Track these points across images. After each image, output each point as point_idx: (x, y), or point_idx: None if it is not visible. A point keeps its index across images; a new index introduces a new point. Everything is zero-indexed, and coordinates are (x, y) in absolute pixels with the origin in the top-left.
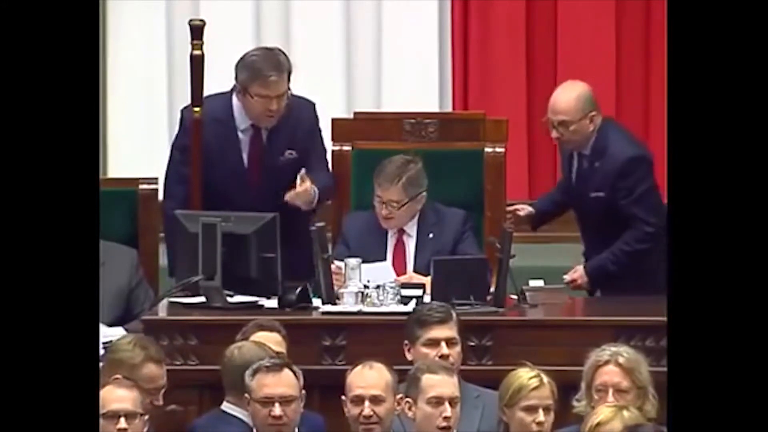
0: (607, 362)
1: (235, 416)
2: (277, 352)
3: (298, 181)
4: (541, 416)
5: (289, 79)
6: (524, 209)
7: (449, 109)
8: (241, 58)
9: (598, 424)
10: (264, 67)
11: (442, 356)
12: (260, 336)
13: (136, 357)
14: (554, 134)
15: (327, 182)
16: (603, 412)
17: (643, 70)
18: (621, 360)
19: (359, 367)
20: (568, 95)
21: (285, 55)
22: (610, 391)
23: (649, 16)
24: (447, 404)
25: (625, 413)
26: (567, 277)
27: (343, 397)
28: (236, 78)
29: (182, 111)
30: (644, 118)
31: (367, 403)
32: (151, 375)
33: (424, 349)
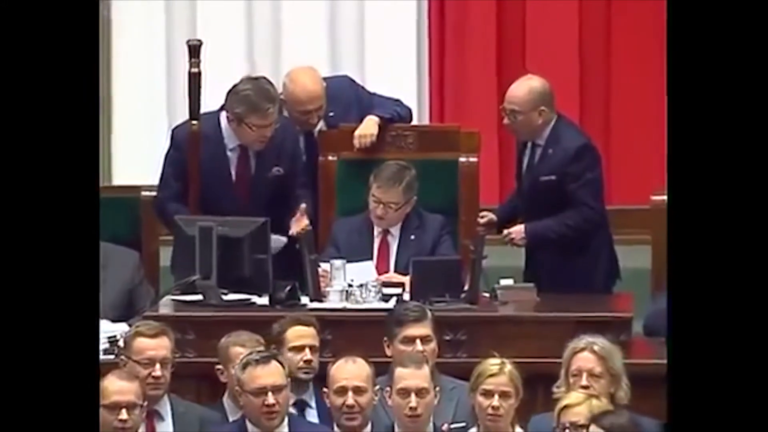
0: (582, 349)
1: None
2: (312, 345)
3: (298, 214)
4: (495, 401)
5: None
6: (486, 217)
7: (427, 122)
8: (234, 91)
9: (567, 406)
10: (259, 100)
11: (417, 352)
12: (297, 330)
13: (131, 332)
14: (505, 120)
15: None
16: (573, 396)
17: (606, 85)
18: (596, 348)
19: (341, 361)
20: (522, 87)
21: (271, 83)
22: (584, 374)
23: (611, 35)
24: (413, 395)
25: (594, 401)
26: (506, 231)
27: (324, 390)
28: (229, 108)
29: (173, 131)
30: (605, 126)
31: (350, 393)
32: (140, 348)
33: (401, 346)
